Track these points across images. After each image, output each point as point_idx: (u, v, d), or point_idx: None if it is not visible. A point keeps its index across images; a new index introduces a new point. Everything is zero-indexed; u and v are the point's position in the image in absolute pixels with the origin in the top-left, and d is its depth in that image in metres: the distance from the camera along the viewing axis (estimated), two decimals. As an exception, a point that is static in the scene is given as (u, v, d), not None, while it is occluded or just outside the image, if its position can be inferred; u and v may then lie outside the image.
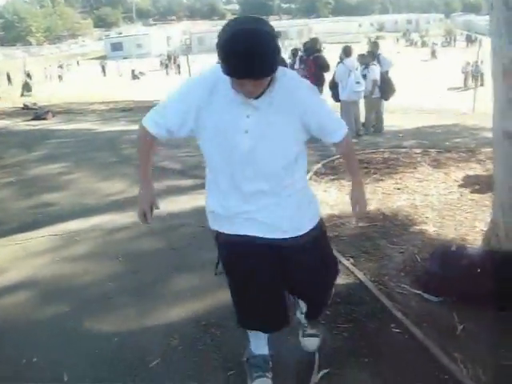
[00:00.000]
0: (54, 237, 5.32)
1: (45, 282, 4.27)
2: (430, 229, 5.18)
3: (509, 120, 3.70)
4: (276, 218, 2.50)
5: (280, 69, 2.22)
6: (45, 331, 3.53)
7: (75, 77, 43.73)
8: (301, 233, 2.57)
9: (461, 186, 6.77)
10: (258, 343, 2.91)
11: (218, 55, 2.07)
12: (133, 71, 41.52)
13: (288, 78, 2.36)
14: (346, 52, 10.84)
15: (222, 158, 2.42)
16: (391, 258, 4.49)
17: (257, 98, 2.25)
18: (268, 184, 2.44)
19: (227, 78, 2.16)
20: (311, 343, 3.07)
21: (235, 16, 2.31)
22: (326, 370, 2.90)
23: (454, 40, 64.04)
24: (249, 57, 1.99)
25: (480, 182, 6.58)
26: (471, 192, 6.41)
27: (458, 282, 3.63)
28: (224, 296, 3.44)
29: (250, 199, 2.46)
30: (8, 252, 4.95)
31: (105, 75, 46.11)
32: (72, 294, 4.05)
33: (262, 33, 2.03)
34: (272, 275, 2.63)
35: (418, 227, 5.26)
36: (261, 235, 2.52)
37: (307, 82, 2.51)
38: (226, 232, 2.60)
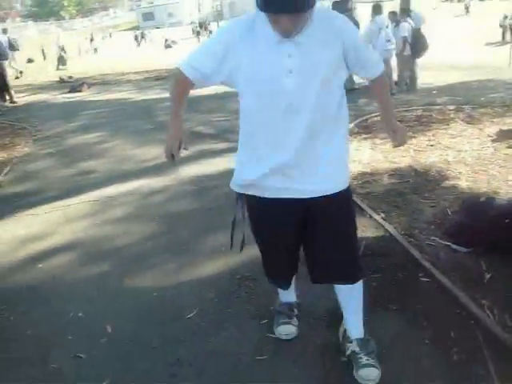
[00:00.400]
0: (93, 202, 5.51)
1: (87, 244, 4.48)
2: (463, 183, 5.20)
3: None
4: (315, 176, 2.41)
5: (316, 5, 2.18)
6: (89, 288, 3.72)
7: (109, 48, 43.95)
8: (335, 191, 2.46)
9: (495, 140, 6.72)
10: (284, 292, 3.03)
11: None
12: (166, 40, 41.42)
13: (324, 12, 2.33)
14: (376, 9, 10.71)
15: (262, 104, 2.33)
16: (422, 212, 4.54)
17: (297, 34, 2.20)
18: (311, 133, 2.34)
19: (265, 19, 2.14)
20: (369, 375, 2.56)
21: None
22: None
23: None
24: None
25: (516, 137, 6.54)
26: (505, 147, 6.37)
27: (487, 232, 3.66)
28: (256, 251, 3.58)
29: (289, 152, 2.36)
30: (50, 218, 5.16)
31: (139, 45, 46.12)
32: (113, 254, 4.24)
33: None
34: (296, 236, 2.64)
35: (450, 182, 5.28)
36: (296, 196, 2.45)
37: (344, 17, 2.42)
38: (257, 195, 2.55)
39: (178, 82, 2.53)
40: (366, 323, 2.73)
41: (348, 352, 2.69)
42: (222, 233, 4.40)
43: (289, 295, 3.06)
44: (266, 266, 2.90)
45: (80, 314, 3.37)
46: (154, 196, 5.58)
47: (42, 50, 33.86)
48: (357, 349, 2.65)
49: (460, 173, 5.53)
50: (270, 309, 3.16)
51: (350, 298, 2.69)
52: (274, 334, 2.97)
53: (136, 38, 48.00)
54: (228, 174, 5.85)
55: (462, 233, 3.82)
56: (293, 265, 2.81)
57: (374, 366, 2.57)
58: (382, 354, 2.67)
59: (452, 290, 3.23)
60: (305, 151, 2.36)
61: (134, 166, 6.86)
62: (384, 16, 11.01)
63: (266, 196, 2.51)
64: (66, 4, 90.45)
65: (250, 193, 2.59)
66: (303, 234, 2.61)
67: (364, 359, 2.60)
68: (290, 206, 2.47)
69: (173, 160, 2.67)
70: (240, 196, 2.70)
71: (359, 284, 2.65)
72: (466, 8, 46.25)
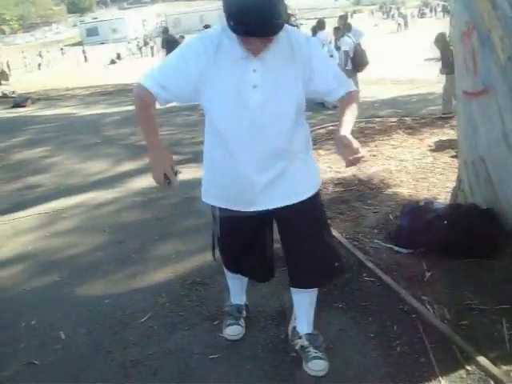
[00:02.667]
0: (41, 215, 5.48)
1: (36, 256, 4.46)
2: (404, 191, 5.42)
3: (466, 79, 3.92)
4: (287, 184, 2.48)
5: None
6: (40, 298, 3.72)
7: (55, 64, 43.40)
8: (304, 197, 2.53)
9: (434, 150, 7.01)
10: (236, 293, 3.13)
11: (227, 13, 2.10)
12: (116, 56, 41.50)
13: (291, 31, 2.37)
14: (320, 25, 10.94)
15: (230, 118, 2.35)
16: (365, 217, 4.72)
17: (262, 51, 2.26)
18: (277, 144, 2.40)
19: (232, 35, 2.16)
20: (318, 366, 2.68)
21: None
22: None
23: (432, 11, 63.94)
24: (260, 16, 2.03)
25: (453, 146, 6.80)
26: (444, 156, 6.65)
27: (426, 233, 3.87)
28: (206, 257, 3.69)
29: (259, 163, 2.41)
30: (-2, 231, 5.12)
31: (86, 61, 45.65)
32: (63, 265, 4.24)
33: None
34: (266, 234, 2.73)
35: (392, 190, 5.49)
36: (269, 207, 2.51)
37: (309, 36, 2.53)
38: (227, 207, 2.59)
39: (141, 100, 2.45)
40: (313, 320, 2.86)
41: (297, 347, 2.80)
42: (172, 242, 4.50)
43: (240, 296, 3.15)
44: (236, 265, 2.89)
45: (33, 323, 3.37)
46: (102, 208, 5.59)
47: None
48: (306, 343, 2.76)
49: (402, 181, 5.75)
50: (221, 311, 3.23)
51: (306, 298, 2.80)
52: (223, 335, 3.07)
53: (84, 52, 47.48)
54: (176, 184, 5.99)
55: (403, 235, 4.01)
56: (271, 262, 2.86)
57: (322, 359, 2.69)
58: (329, 348, 2.80)
59: (395, 287, 3.40)
60: (269, 166, 2.43)
61: (81, 179, 6.83)
62: (326, 32, 11.26)
63: (234, 209, 2.56)
64: (7, 18, 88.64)
65: (219, 205, 2.63)
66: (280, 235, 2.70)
67: (313, 352, 2.71)
68: (259, 216, 2.55)
69: (169, 186, 2.46)
70: (213, 208, 2.71)
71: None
72: (399, 25, 48.01)
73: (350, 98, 2.48)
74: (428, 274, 3.58)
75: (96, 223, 5.14)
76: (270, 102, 2.32)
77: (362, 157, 2.21)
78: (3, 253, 4.56)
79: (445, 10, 55.30)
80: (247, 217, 2.55)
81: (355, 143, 2.19)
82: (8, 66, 25.96)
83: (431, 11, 64.02)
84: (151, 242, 4.51)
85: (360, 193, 5.43)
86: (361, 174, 6.07)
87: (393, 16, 63.12)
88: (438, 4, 66.47)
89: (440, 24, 30.06)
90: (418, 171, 6.08)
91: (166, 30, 17.05)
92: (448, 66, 9.29)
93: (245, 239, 2.72)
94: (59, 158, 8.23)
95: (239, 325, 3.06)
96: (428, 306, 3.18)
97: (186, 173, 6.07)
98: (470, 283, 3.44)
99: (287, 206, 2.51)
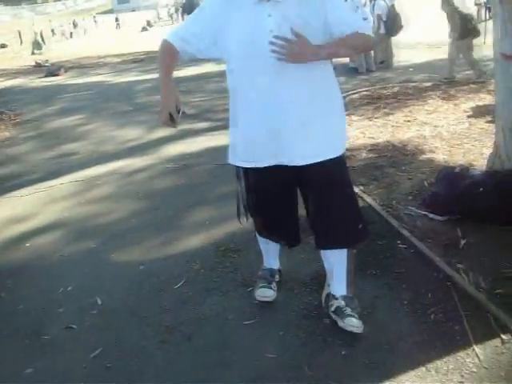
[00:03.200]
0: (76, 182, 5.56)
1: (72, 223, 4.54)
2: (439, 157, 5.34)
3: (504, 41, 3.81)
4: (306, 141, 2.48)
5: None
6: (77, 264, 3.79)
7: (88, 32, 43.54)
8: (327, 158, 2.52)
9: (470, 116, 6.88)
10: (269, 257, 3.15)
11: None
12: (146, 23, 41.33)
13: None
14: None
15: (251, 64, 2.39)
16: (400, 184, 4.68)
17: None
18: (296, 89, 2.40)
19: None
20: (355, 323, 2.68)
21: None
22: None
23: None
24: None
25: (489, 112, 6.66)
26: (480, 121, 6.52)
27: (462, 200, 3.81)
28: (241, 224, 3.69)
29: (278, 115, 2.43)
30: (35, 199, 5.21)
31: (118, 28, 45.54)
32: (98, 231, 4.31)
33: None
34: (292, 198, 2.76)
35: (426, 156, 5.42)
36: (286, 163, 2.52)
37: None
38: (249, 166, 2.63)
39: (166, 52, 2.58)
40: (348, 285, 2.85)
41: (333, 308, 2.79)
42: (205, 208, 4.53)
43: (273, 261, 3.16)
44: (266, 229, 2.93)
45: (69, 289, 3.44)
46: (137, 175, 5.65)
47: (19, 34, 33.39)
48: (342, 303, 2.76)
49: (436, 147, 5.67)
50: (255, 276, 3.26)
51: (339, 262, 2.79)
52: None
53: (117, 20, 47.32)
54: (210, 151, 6.04)
55: (438, 202, 3.96)
56: (296, 225, 2.88)
57: (358, 318, 2.70)
58: (363, 315, 2.79)
59: (429, 255, 3.37)
60: (293, 115, 2.44)
61: (115, 147, 6.91)
62: (361, -6, 11.03)
63: (259, 166, 2.58)
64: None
65: (245, 164, 2.66)
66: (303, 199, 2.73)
67: (349, 310, 2.72)
68: (284, 172, 2.56)
69: (173, 124, 2.56)
70: (237, 168, 2.75)
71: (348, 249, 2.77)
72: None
73: (354, 34, 2.36)
74: (463, 242, 3.53)
75: (130, 190, 5.20)
76: None
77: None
78: (40, 220, 4.65)
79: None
80: (271, 177, 2.58)
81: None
82: (41, 36, 26.06)
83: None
84: (185, 209, 4.55)
85: (394, 159, 5.37)
86: (395, 140, 6.00)
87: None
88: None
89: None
90: (454, 137, 5.99)
91: None
92: (456, 30, 9.06)
93: (270, 201, 2.73)
94: (93, 125, 8.33)
95: (271, 288, 3.07)
96: (463, 274, 3.15)
97: (219, 139, 6.17)
98: (506, 251, 3.37)
99: (309, 166, 2.51)
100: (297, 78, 2.39)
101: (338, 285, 2.84)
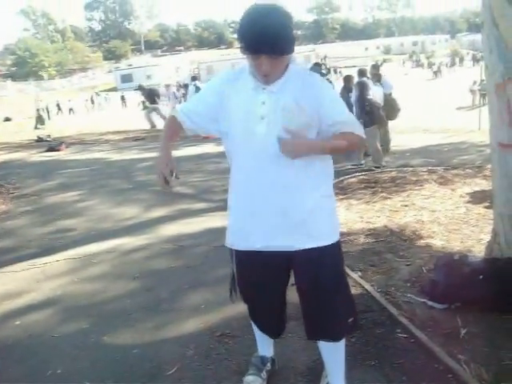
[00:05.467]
0: (71, 260, 5.50)
1: (65, 301, 4.46)
2: (437, 242, 5.32)
3: (501, 131, 3.88)
4: (300, 228, 2.51)
5: (294, 63, 2.45)
6: (68, 345, 3.70)
7: (84, 110, 44.41)
8: (317, 245, 2.53)
9: (467, 201, 6.90)
10: (262, 344, 3.09)
11: (238, 33, 2.32)
12: (143, 102, 42.01)
13: (302, 70, 2.55)
14: (360, 74, 10.87)
15: (243, 147, 2.51)
16: (398, 270, 4.64)
17: (270, 83, 2.42)
18: (287, 177, 2.46)
19: (248, 70, 2.42)
20: None
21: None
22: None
23: (461, 60, 64.36)
24: (265, 30, 2.20)
25: (486, 197, 6.69)
26: (478, 207, 6.55)
27: (461, 288, 3.78)
28: (236, 309, 3.63)
29: (268, 200, 2.49)
30: (29, 275, 5.14)
31: (125, 106, 46.35)
32: (92, 311, 4.23)
33: (280, 11, 2.27)
34: (279, 286, 2.76)
35: (424, 241, 5.40)
36: (282, 249, 2.55)
37: (321, 77, 2.67)
38: (241, 249, 2.66)
39: (171, 124, 2.72)
40: (346, 378, 2.77)
41: None
42: (201, 291, 4.46)
43: (266, 349, 3.10)
44: (253, 316, 2.95)
45: (59, 371, 3.35)
46: (133, 254, 5.60)
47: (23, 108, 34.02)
48: None
49: (434, 232, 5.66)
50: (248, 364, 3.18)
51: (334, 352, 2.74)
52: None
53: (123, 98, 48.23)
54: (207, 233, 6.02)
55: (437, 290, 3.91)
56: (280, 318, 2.90)
57: None
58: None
59: (429, 345, 3.29)
60: (282, 199, 2.48)
61: (113, 224, 6.88)
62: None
63: (253, 249, 2.59)
64: (46, 65, 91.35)
65: (239, 248, 2.67)
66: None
67: None
68: (276, 257, 2.56)
69: (167, 186, 2.60)
70: (231, 252, 2.77)
71: (342, 340, 2.71)
72: (435, 73, 48.18)
73: (353, 135, 2.50)
74: (464, 331, 3.47)
75: (126, 270, 5.14)
76: (275, 133, 2.40)
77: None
78: (33, 297, 4.58)
79: (474, 59, 55.64)
80: (264, 263, 2.60)
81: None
82: (45, 110, 26.57)
83: (461, 60, 64.38)
84: (181, 291, 4.48)
85: (392, 244, 5.35)
86: (392, 225, 6.00)
87: (422, 65, 63.63)
88: (468, 53, 66.91)
89: (471, 73, 30.24)
90: (451, 222, 5.98)
91: (194, 78, 18.14)
92: (363, 117, 9.39)
93: (257, 288, 2.73)
94: (91, 202, 8.32)
95: (260, 376, 3.00)
96: (464, 366, 3.07)
97: (216, 221, 6.17)
98: (508, 341, 3.32)
99: (305, 252, 2.52)
100: (286, 164, 2.43)
101: (334, 376, 2.79)
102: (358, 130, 2.54)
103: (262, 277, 2.67)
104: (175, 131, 2.72)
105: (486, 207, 6.23)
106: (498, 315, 3.58)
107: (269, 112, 2.42)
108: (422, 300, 3.97)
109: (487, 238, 4.96)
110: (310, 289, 2.59)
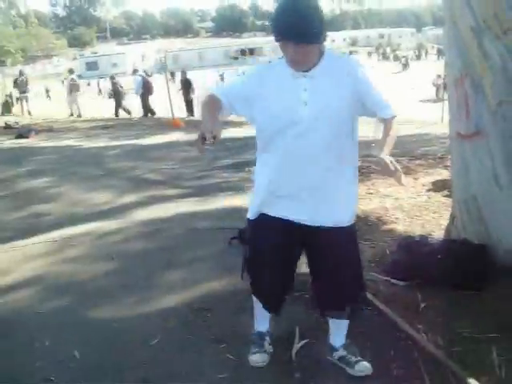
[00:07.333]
0: (50, 242, 5.65)
1: (47, 280, 4.64)
2: (400, 227, 5.61)
3: (459, 122, 4.18)
4: (325, 205, 2.70)
5: (327, 48, 2.63)
6: (53, 320, 3.88)
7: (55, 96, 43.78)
8: (339, 225, 2.75)
9: (429, 189, 7.21)
10: (261, 320, 3.25)
11: (271, 26, 2.51)
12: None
13: (338, 55, 2.77)
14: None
15: (280, 129, 2.63)
16: (363, 252, 4.85)
17: (309, 70, 2.59)
18: (321, 162, 2.64)
19: (284, 61, 2.58)
20: (365, 367, 2.98)
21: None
22: (304, 341, 3.33)
23: (426, 54, 65.23)
24: (291, 18, 2.39)
25: (447, 186, 7.01)
26: (438, 195, 6.87)
27: (421, 267, 4.07)
28: (212, 286, 3.89)
29: (303, 178, 2.66)
30: (8, 257, 5.28)
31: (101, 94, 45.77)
32: (72, 290, 4.42)
33: (309, 1, 2.47)
34: (294, 257, 2.96)
35: (388, 226, 5.68)
36: (306, 223, 2.72)
37: (357, 60, 2.87)
38: (271, 214, 2.78)
39: (212, 100, 2.74)
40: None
41: (336, 358, 3.08)
42: (178, 270, 4.68)
43: (264, 324, 3.25)
44: (258, 287, 3.07)
45: (47, 343, 3.53)
46: (109, 237, 5.77)
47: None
48: (344, 353, 3.06)
49: (397, 218, 5.94)
50: (228, 334, 3.44)
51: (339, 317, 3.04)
52: (234, 356, 3.22)
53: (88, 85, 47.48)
54: (180, 217, 6.22)
55: (399, 268, 4.21)
56: (286, 286, 3.07)
57: (364, 361, 2.99)
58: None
59: (391, 316, 3.59)
60: (317, 180, 2.68)
61: (87, 209, 7.01)
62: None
63: (276, 215, 2.77)
64: (12, 51, 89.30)
65: (270, 213, 2.80)
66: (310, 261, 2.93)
67: (353, 358, 3.01)
68: (295, 228, 2.76)
69: (202, 145, 2.46)
70: (249, 222, 2.92)
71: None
72: (404, 66, 48.64)
73: (391, 122, 2.74)
74: (423, 305, 3.76)
75: (103, 251, 5.32)
76: (319, 117, 2.59)
77: (399, 173, 2.59)
78: (14, 277, 4.73)
79: (439, 53, 56.31)
80: (277, 233, 2.78)
81: (391, 165, 2.56)
82: (11, 97, 26.09)
83: (426, 54, 65.27)
84: (158, 271, 4.70)
85: (357, 229, 5.58)
86: (358, 211, 6.26)
87: (388, 58, 64.24)
88: (433, 47, 67.68)
89: (436, 66, 30.74)
90: (413, 209, 6.27)
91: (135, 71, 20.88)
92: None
93: (272, 261, 2.89)
94: (64, 188, 8.41)
95: (264, 352, 3.15)
96: (423, 334, 3.37)
97: (188, 206, 6.37)
98: (462, 313, 3.64)
99: (326, 230, 2.73)
100: (325, 149, 2.64)
101: (337, 337, 3.11)
102: (392, 112, 2.74)
103: (276, 247, 2.83)
104: (217, 105, 2.72)
105: (446, 196, 6.54)
106: (453, 291, 3.88)
107: (310, 97, 2.58)
108: (385, 278, 4.25)
109: (446, 223, 5.28)
110: (332, 264, 2.82)
